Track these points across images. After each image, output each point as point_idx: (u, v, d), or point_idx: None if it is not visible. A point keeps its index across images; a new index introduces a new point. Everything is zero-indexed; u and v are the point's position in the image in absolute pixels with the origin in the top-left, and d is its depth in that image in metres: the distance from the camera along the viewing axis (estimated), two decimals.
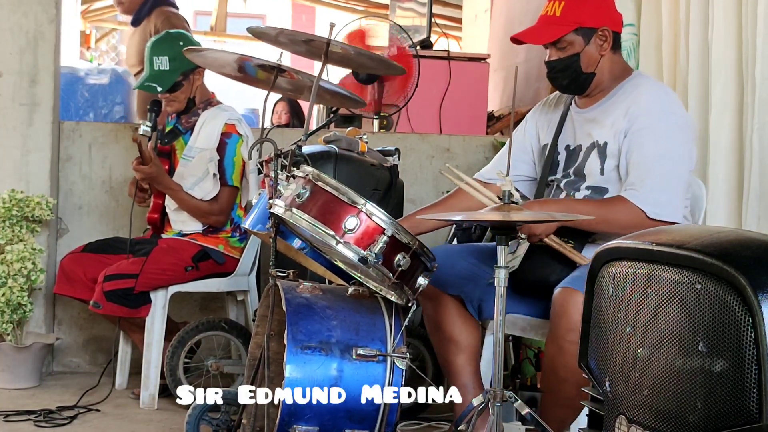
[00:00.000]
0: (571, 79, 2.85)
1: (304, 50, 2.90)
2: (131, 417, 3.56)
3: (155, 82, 3.78)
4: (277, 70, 2.86)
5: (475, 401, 2.30)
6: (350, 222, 2.42)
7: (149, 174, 3.70)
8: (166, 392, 3.71)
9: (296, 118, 6.45)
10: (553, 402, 2.55)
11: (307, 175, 2.50)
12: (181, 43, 3.78)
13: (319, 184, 2.47)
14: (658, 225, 2.61)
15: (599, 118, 2.85)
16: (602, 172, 2.80)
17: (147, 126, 3.65)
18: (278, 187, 2.56)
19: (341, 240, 2.41)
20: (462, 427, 2.31)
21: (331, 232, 2.42)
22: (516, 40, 2.88)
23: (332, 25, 2.76)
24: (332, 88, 2.99)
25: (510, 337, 3.47)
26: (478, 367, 2.91)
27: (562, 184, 2.90)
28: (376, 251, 2.40)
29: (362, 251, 2.40)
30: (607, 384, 1.88)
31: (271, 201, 2.56)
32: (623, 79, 2.87)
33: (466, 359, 2.89)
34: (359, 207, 2.43)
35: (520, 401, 2.26)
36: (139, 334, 3.75)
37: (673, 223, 2.67)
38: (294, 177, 2.55)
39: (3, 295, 3.76)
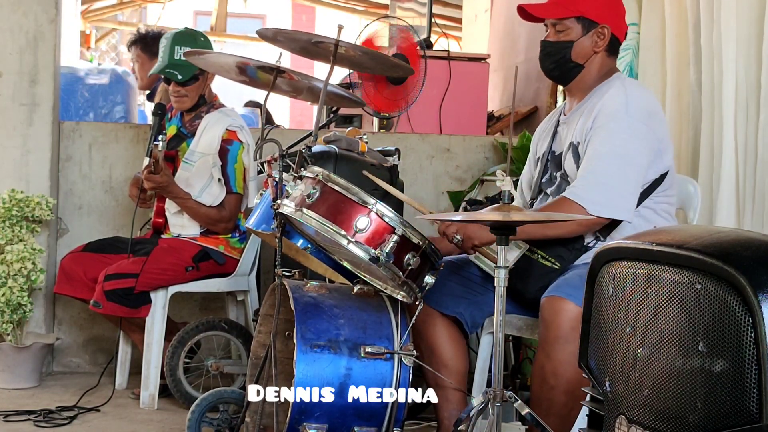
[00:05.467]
0: (557, 65, 2.88)
1: (309, 51, 2.90)
2: (131, 417, 3.56)
3: (176, 70, 3.75)
4: (277, 71, 2.86)
5: (475, 401, 2.30)
6: (361, 222, 2.43)
7: (160, 183, 3.65)
8: (166, 392, 3.71)
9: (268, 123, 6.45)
10: (542, 412, 2.53)
11: (317, 175, 2.51)
12: (203, 39, 3.80)
13: (330, 184, 2.48)
14: (602, 222, 2.69)
15: (575, 120, 2.87)
16: (578, 170, 2.80)
17: (163, 139, 3.60)
18: (285, 188, 2.56)
19: (352, 239, 2.42)
20: (462, 427, 2.31)
21: (343, 232, 2.43)
22: (522, 10, 2.91)
23: (340, 27, 2.76)
24: (331, 88, 2.98)
25: (510, 337, 3.47)
26: (464, 390, 2.92)
27: (549, 190, 2.91)
28: (387, 250, 2.42)
29: (373, 250, 2.42)
30: (607, 384, 1.88)
31: (278, 201, 2.56)
32: (605, 80, 2.87)
33: (455, 383, 2.88)
34: (370, 207, 2.44)
35: (520, 401, 2.26)
36: (139, 334, 3.75)
37: (618, 222, 2.70)
38: (302, 177, 2.55)
39: (3, 295, 3.76)
